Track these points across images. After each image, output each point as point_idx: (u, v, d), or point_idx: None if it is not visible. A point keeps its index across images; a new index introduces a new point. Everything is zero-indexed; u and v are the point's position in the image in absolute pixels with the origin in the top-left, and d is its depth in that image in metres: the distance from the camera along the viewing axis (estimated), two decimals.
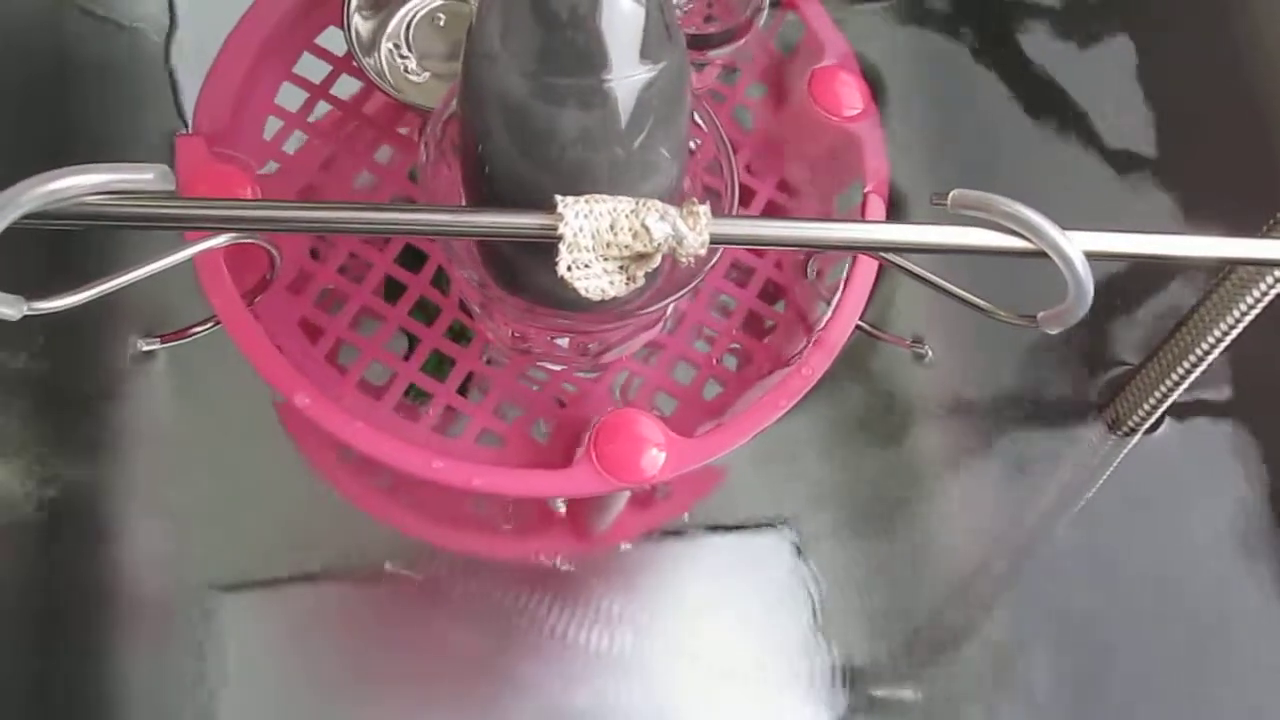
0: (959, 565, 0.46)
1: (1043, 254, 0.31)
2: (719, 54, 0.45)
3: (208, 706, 0.41)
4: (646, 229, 0.29)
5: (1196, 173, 0.52)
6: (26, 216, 0.28)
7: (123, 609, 0.42)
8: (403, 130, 0.43)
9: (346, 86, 0.43)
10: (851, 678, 0.44)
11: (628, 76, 0.29)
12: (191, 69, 0.49)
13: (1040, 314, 0.33)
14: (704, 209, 0.30)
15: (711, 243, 0.30)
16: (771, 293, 0.43)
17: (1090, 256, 0.31)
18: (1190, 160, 0.52)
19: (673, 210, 0.30)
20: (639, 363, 0.41)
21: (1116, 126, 0.52)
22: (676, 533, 0.45)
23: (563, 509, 0.45)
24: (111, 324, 0.44)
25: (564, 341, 0.40)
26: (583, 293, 0.29)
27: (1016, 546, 0.46)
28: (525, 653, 0.43)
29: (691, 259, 0.30)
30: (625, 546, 0.45)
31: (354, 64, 0.42)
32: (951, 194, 0.31)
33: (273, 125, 0.42)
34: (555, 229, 0.29)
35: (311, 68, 0.43)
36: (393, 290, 0.41)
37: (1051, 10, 0.55)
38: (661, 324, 0.41)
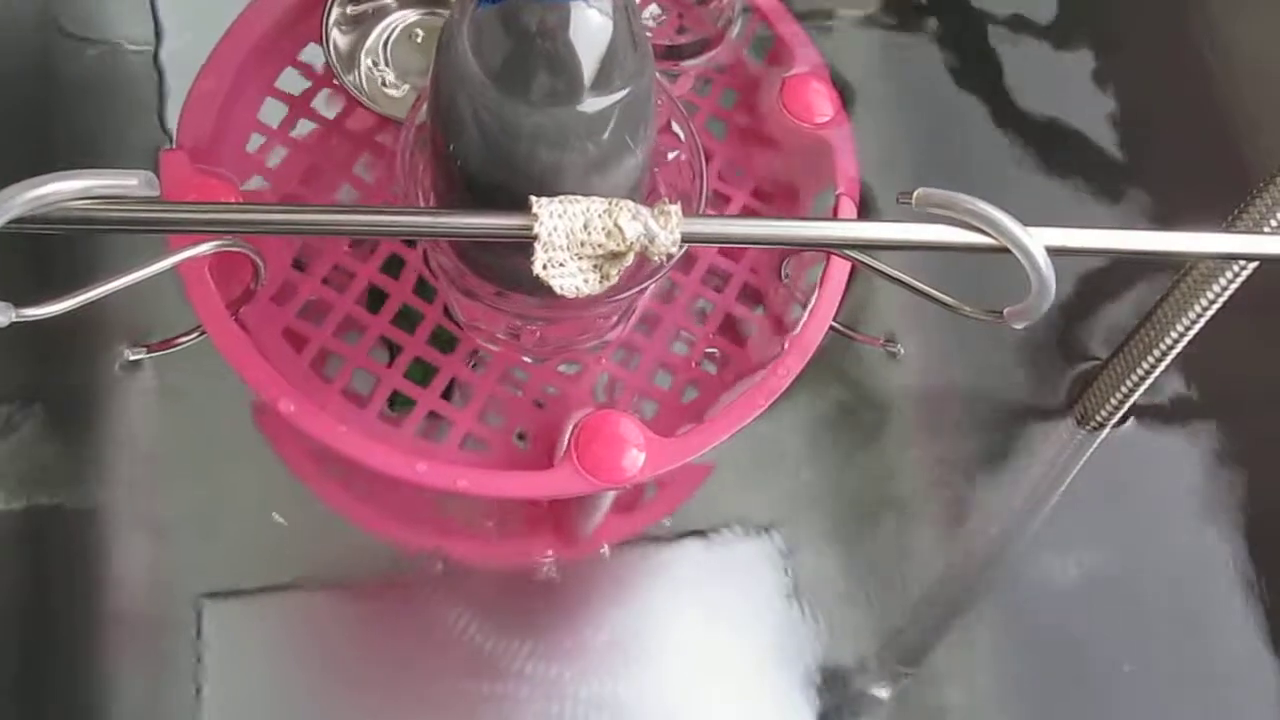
0: (936, 561, 0.46)
1: (1006, 250, 0.32)
2: (692, 64, 0.46)
3: (198, 713, 0.41)
4: (619, 228, 0.30)
5: (1160, 174, 0.53)
6: (12, 222, 0.28)
7: (110, 619, 0.42)
8: (383, 142, 0.44)
9: (327, 101, 0.44)
10: (835, 677, 0.44)
11: (597, 88, 0.30)
12: (176, 85, 0.50)
13: (1006, 309, 0.34)
14: (675, 208, 0.31)
15: (683, 241, 0.31)
16: (748, 297, 0.44)
17: (1051, 252, 0.32)
18: (1154, 162, 0.53)
19: (645, 210, 0.30)
20: (619, 366, 0.42)
21: (1082, 130, 0.53)
22: (658, 538, 0.46)
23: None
24: (96, 336, 0.45)
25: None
26: (558, 290, 0.30)
27: (991, 541, 0.47)
28: (511, 657, 0.43)
29: (664, 257, 0.31)
30: (607, 552, 0.45)
31: (334, 79, 0.43)
32: (917, 192, 0.32)
33: (255, 140, 0.43)
34: (531, 229, 0.30)
35: (293, 83, 0.44)
36: (376, 302, 0.41)
37: (1018, 18, 0.56)
38: (621, 323, 0.41)
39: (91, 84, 0.50)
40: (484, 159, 0.31)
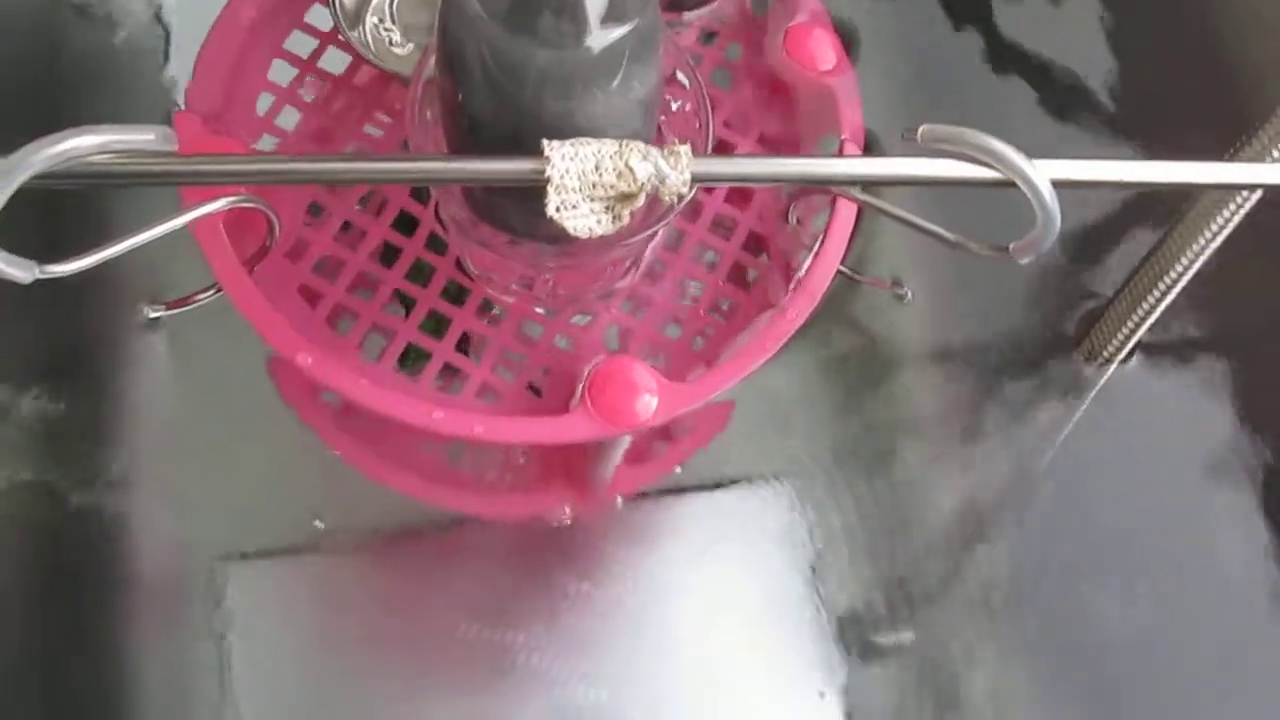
0: (949, 502, 0.47)
1: (1011, 184, 0.32)
2: (695, 15, 0.46)
3: (223, 674, 0.42)
4: (630, 169, 0.30)
5: (1161, 114, 0.53)
6: (35, 177, 0.29)
7: (131, 582, 0.43)
8: (392, 99, 0.44)
9: (336, 61, 0.44)
10: (848, 624, 0.45)
11: (603, 21, 0.30)
12: (181, 54, 0.51)
13: (1012, 245, 0.35)
14: (685, 149, 0.31)
15: (693, 181, 0.31)
16: (755, 246, 0.44)
17: (1056, 184, 0.32)
18: (1155, 102, 0.53)
19: (655, 151, 0.31)
20: (629, 316, 0.42)
21: (1083, 73, 0.53)
22: (670, 489, 0.46)
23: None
24: (112, 301, 0.46)
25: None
26: (572, 231, 0.31)
27: (1003, 481, 0.48)
28: (528, 609, 0.44)
29: (674, 198, 0.31)
30: (622, 505, 0.46)
31: (340, 38, 0.44)
32: (921, 129, 0.33)
33: (265, 101, 0.43)
34: (543, 172, 0.30)
35: (301, 44, 0.44)
36: (389, 259, 0.42)
37: None
38: (631, 272, 0.42)
39: (97, 55, 0.51)
40: (492, 106, 0.32)
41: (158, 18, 0.51)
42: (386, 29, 0.45)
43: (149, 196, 0.44)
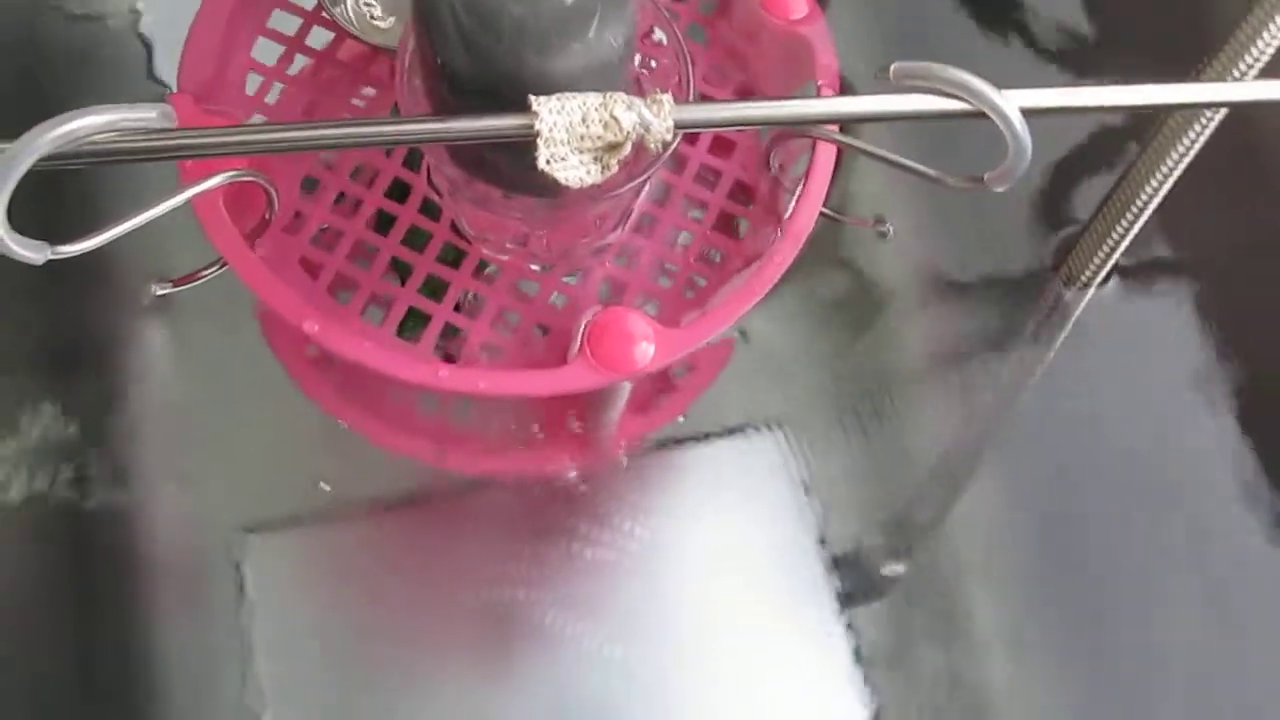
0: (943, 433, 0.48)
1: (982, 115, 0.34)
2: None
3: (242, 646, 0.43)
4: (615, 119, 0.32)
5: (1128, 48, 0.54)
6: (42, 160, 0.30)
7: (144, 560, 0.44)
8: (377, 72, 0.45)
9: (320, 37, 0.45)
10: (853, 562, 0.46)
11: None
12: (164, 43, 0.51)
13: (986, 175, 0.36)
14: (667, 97, 0.32)
15: (676, 128, 0.32)
16: (743, 196, 0.46)
17: (1025, 113, 0.33)
18: (1122, 36, 0.54)
19: (638, 101, 0.32)
20: (622, 270, 0.44)
21: (1052, 12, 0.54)
22: (673, 441, 0.47)
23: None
24: (114, 286, 0.47)
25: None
26: (563, 181, 0.32)
27: (994, 407, 0.49)
28: (537, 567, 0.45)
29: (660, 145, 0.33)
30: (626, 458, 0.47)
31: (323, 14, 0.45)
32: (894, 66, 0.34)
33: (254, 81, 0.44)
34: (532, 126, 0.31)
35: (285, 22, 0.45)
36: (385, 228, 0.43)
37: None
38: (620, 225, 0.43)
39: (80, 51, 0.51)
40: (469, 64, 0.33)
41: (138, 13, 0.52)
42: (367, 4, 0.46)
43: (143, 182, 0.45)
